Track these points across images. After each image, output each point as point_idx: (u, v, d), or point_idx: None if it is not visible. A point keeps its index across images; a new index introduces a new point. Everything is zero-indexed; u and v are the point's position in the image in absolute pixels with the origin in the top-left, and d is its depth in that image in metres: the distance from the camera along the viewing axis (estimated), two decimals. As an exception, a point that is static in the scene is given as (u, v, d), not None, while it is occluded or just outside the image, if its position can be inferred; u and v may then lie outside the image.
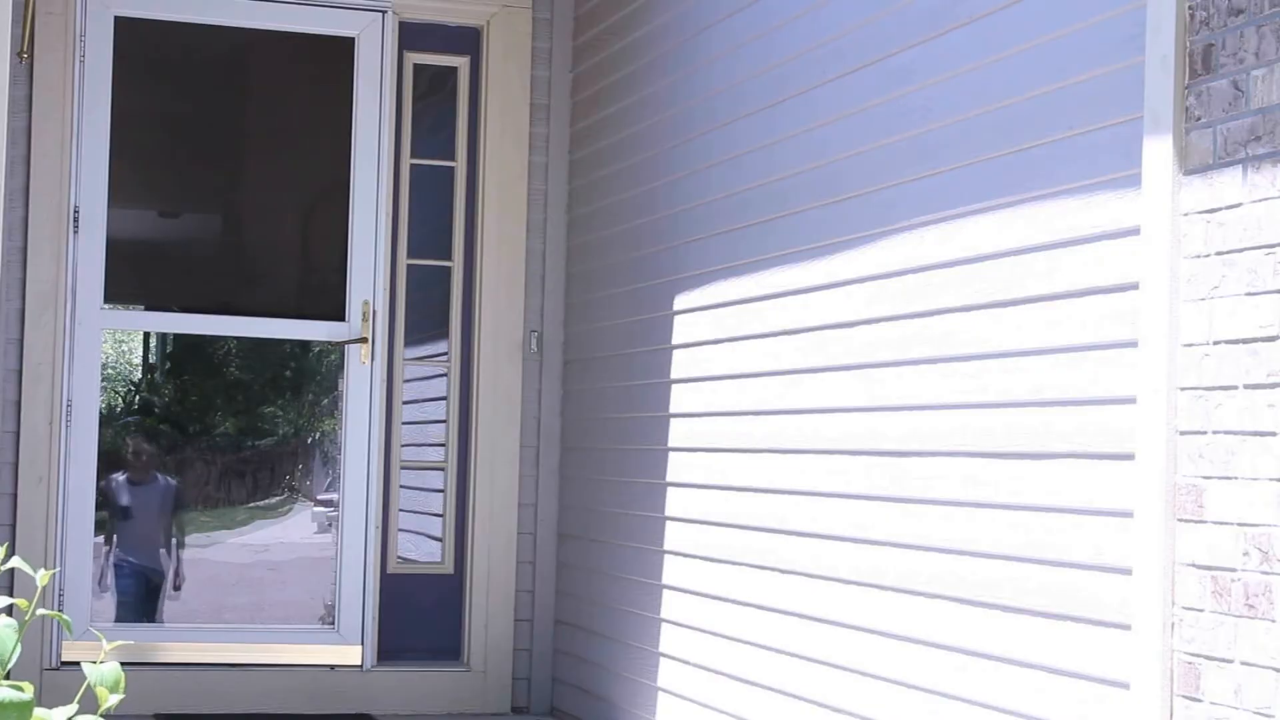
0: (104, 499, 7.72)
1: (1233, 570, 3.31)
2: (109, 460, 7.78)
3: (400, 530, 7.23)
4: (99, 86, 6.92)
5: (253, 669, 7.03)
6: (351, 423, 7.11)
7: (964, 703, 4.22)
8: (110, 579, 7.65)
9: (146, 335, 7.92)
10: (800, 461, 5.14)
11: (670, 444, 6.14)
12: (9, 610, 6.10)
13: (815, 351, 5.07)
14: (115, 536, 7.79)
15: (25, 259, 6.80)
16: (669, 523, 6.10)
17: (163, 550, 7.85)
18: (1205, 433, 3.40)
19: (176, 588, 7.83)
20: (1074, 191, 3.92)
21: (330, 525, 7.30)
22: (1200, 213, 3.44)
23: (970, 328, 4.29)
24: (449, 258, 7.30)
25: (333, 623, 7.13)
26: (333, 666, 7.08)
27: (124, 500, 7.77)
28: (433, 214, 7.26)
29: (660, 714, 6.08)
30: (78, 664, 6.77)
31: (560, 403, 7.31)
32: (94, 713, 2.39)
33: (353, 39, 7.18)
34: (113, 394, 7.83)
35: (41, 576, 2.47)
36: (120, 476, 7.84)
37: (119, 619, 7.48)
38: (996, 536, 4.13)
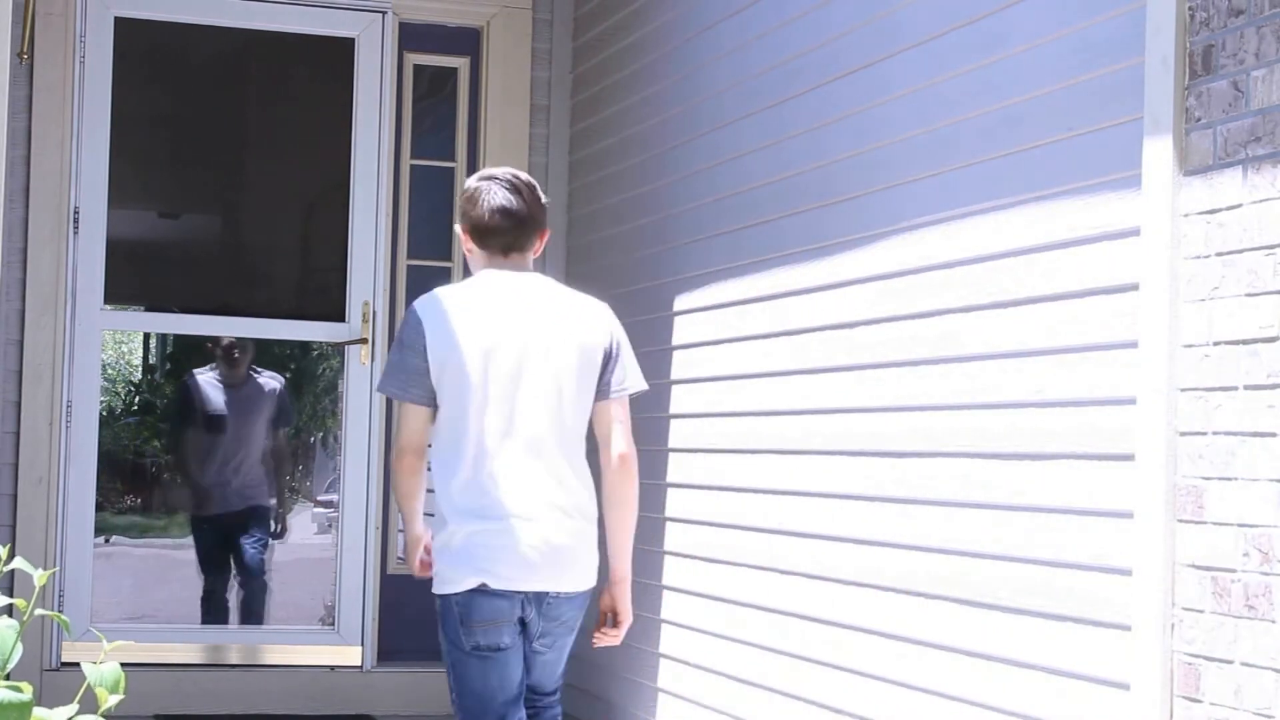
0: (178, 407, 7.34)
1: (1233, 571, 3.31)
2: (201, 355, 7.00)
3: (400, 531, 7.23)
4: (99, 87, 6.92)
5: (253, 669, 7.02)
6: (351, 423, 7.11)
7: (964, 703, 4.22)
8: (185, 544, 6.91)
9: (146, 336, 7.91)
10: (801, 462, 5.14)
11: (671, 445, 6.14)
12: (9, 610, 6.07)
13: (816, 352, 5.07)
14: (191, 465, 7.18)
15: (25, 259, 6.80)
16: (669, 523, 6.10)
17: (264, 485, 7.28)
18: (1205, 433, 3.40)
19: (278, 535, 7.24)
20: (1074, 192, 3.91)
21: (330, 526, 7.30)
22: (1200, 213, 3.44)
23: (971, 328, 4.29)
24: (449, 258, 7.30)
25: (333, 623, 7.13)
26: (333, 667, 7.08)
27: (210, 406, 7.21)
28: (433, 214, 7.25)
29: (660, 714, 6.08)
30: (77, 665, 6.77)
31: (560, 403, 7.30)
32: (94, 713, 2.39)
33: (353, 39, 7.18)
34: (113, 395, 7.81)
35: (40, 576, 2.47)
36: (207, 374, 7.37)
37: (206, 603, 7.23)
38: (997, 537, 4.13)
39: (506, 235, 4.10)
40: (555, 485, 4.00)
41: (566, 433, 4.03)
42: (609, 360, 4.11)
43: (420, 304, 4.10)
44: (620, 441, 4.09)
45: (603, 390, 4.10)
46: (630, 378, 4.14)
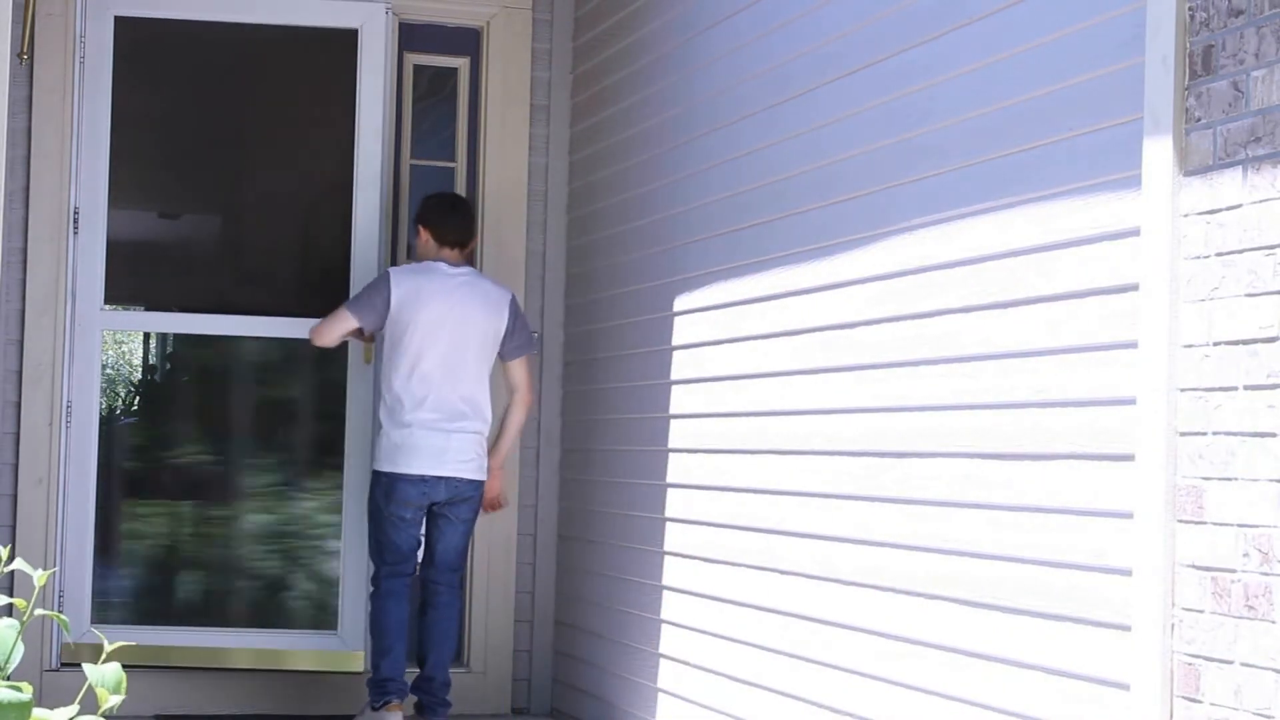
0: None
1: (1233, 571, 3.31)
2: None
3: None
4: (99, 87, 6.92)
5: (253, 669, 7.02)
6: (352, 423, 7.11)
7: (964, 703, 4.22)
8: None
9: (146, 336, 7.91)
10: (801, 462, 5.14)
11: (670, 445, 6.14)
12: (9, 610, 6.07)
13: (816, 352, 5.08)
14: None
15: (25, 259, 6.80)
16: (669, 524, 6.10)
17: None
18: (1205, 434, 3.40)
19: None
20: (1074, 192, 3.92)
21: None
22: (1200, 214, 3.44)
23: (970, 328, 4.29)
24: (449, 258, 7.28)
25: (333, 624, 7.13)
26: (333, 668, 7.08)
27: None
28: (433, 214, 7.25)
29: (660, 715, 6.08)
30: (78, 665, 6.77)
31: (560, 404, 7.31)
32: (94, 713, 2.39)
33: (355, 29, 7.17)
34: (113, 395, 7.82)
35: (39, 577, 2.47)
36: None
37: None
38: (997, 537, 4.13)
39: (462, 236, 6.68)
40: (468, 407, 6.47)
41: (479, 374, 6.50)
42: (509, 332, 6.57)
43: (393, 271, 6.59)
44: (522, 386, 6.65)
45: (505, 353, 6.61)
46: (525, 344, 6.66)
